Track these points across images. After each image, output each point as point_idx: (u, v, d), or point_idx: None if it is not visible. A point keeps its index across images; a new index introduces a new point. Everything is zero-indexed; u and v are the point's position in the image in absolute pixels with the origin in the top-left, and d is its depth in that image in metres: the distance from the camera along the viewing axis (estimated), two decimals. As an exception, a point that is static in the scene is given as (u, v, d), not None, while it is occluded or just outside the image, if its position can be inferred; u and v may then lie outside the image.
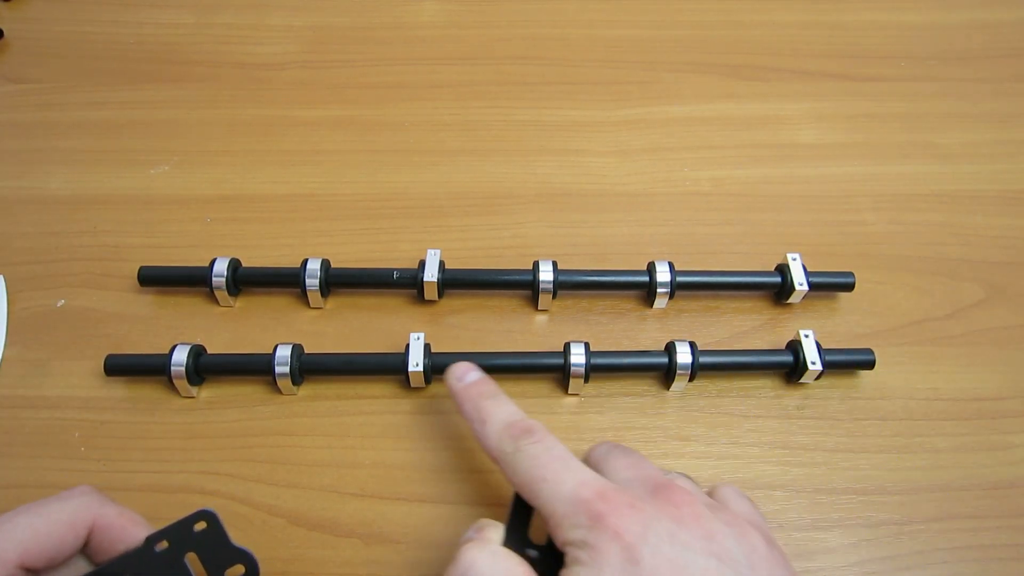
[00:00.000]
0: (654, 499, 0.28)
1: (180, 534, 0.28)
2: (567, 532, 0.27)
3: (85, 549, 0.29)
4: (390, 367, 0.41)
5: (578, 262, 0.46)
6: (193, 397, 0.41)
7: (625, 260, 0.46)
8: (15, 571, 0.26)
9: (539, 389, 0.42)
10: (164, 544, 0.28)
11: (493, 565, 0.27)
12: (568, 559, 0.27)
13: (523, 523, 0.30)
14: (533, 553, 0.29)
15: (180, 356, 0.40)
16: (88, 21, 0.60)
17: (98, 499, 0.29)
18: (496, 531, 0.29)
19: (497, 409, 0.32)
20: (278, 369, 0.40)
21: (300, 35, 0.60)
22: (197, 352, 0.40)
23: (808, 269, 0.45)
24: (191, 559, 0.28)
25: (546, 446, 0.30)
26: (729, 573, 0.26)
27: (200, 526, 0.28)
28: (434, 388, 0.42)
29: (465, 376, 0.35)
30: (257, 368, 0.40)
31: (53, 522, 0.27)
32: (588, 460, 0.32)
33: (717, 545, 0.27)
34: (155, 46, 0.59)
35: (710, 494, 0.31)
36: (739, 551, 0.27)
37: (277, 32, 0.60)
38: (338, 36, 0.60)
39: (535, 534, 0.29)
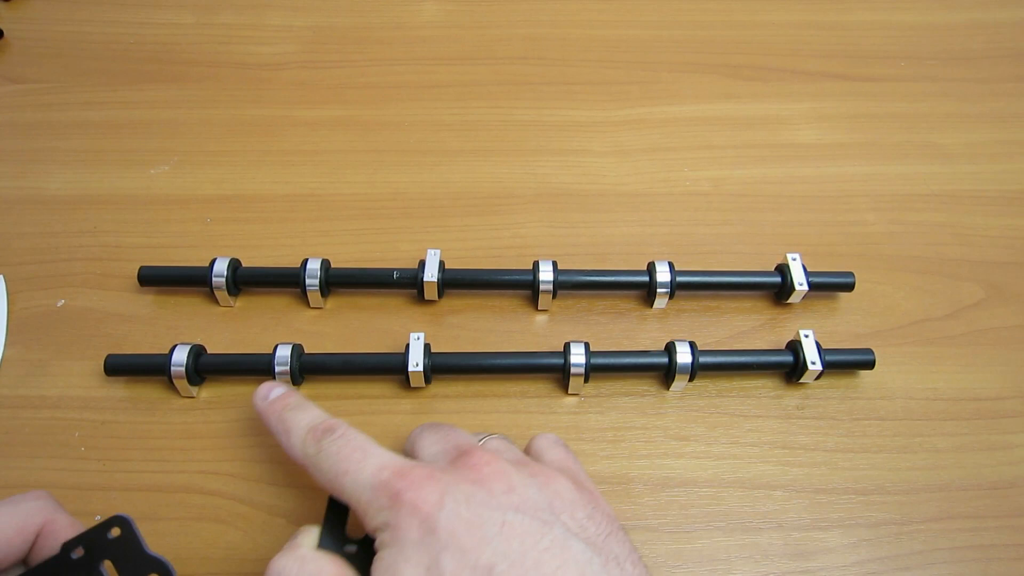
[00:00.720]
0: (455, 466, 0.28)
1: (95, 541, 0.28)
2: (372, 518, 0.27)
3: (28, 556, 0.28)
4: (390, 367, 0.41)
5: (578, 262, 0.46)
6: (193, 397, 0.41)
7: (625, 260, 0.46)
8: None
9: (539, 389, 0.42)
10: (80, 551, 0.27)
11: (300, 570, 0.26)
12: (376, 544, 0.26)
13: (340, 522, 0.29)
14: (352, 548, 0.29)
15: (180, 356, 0.40)
16: (88, 21, 0.60)
17: (51, 505, 0.29)
18: (309, 536, 0.28)
19: (300, 416, 0.31)
20: (278, 369, 0.40)
21: (300, 35, 0.60)
22: (197, 352, 0.40)
23: (808, 269, 0.45)
24: (107, 566, 0.27)
25: (346, 439, 0.29)
26: (529, 521, 0.26)
27: (115, 532, 0.28)
28: (434, 388, 0.42)
29: (269, 394, 0.33)
30: (257, 368, 0.40)
31: (2, 526, 0.27)
32: (404, 447, 0.32)
33: (517, 497, 0.26)
34: (155, 46, 0.59)
35: (526, 450, 0.32)
36: (541, 498, 0.27)
37: (277, 32, 0.60)
38: (338, 36, 0.60)
39: (355, 530, 0.29)
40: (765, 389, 0.42)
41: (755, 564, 0.37)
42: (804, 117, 0.56)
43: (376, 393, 0.42)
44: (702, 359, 0.41)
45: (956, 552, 0.37)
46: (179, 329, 0.44)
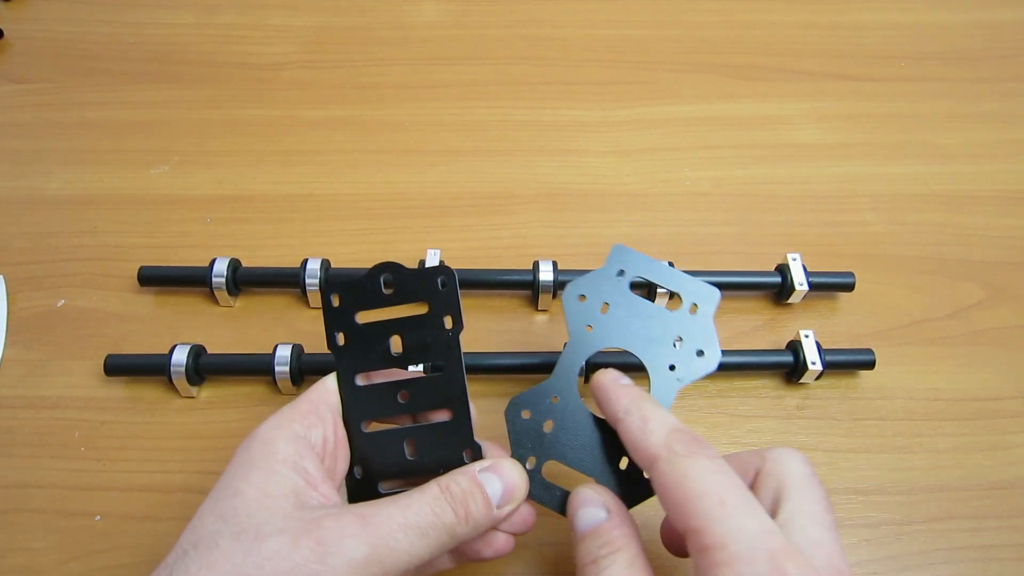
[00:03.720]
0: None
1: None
2: (731, 564, 0.24)
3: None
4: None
5: (578, 262, 0.46)
6: (193, 397, 0.41)
7: (625, 260, 0.46)
8: None
9: (539, 389, 0.42)
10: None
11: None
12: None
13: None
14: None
15: (180, 356, 0.39)
16: (88, 21, 0.60)
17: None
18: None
19: (660, 412, 0.29)
20: (278, 369, 0.40)
21: (300, 35, 0.60)
22: (197, 352, 0.40)
23: (808, 269, 0.45)
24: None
25: (721, 466, 0.27)
26: None
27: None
28: (434, 388, 0.42)
29: (620, 379, 0.31)
30: (257, 368, 0.40)
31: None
32: (761, 475, 0.28)
33: None
34: (155, 46, 0.59)
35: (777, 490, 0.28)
36: None
37: (277, 32, 0.60)
38: (338, 36, 0.60)
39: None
40: (765, 389, 0.42)
41: (755, 564, 0.37)
42: (804, 117, 0.56)
43: (376, 393, 0.41)
44: (702, 359, 0.41)
45: (956, 552, 0.37)
46: (179, 329, 0.44)
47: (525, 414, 0.32)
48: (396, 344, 0.31)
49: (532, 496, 0.31)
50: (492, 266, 0.45)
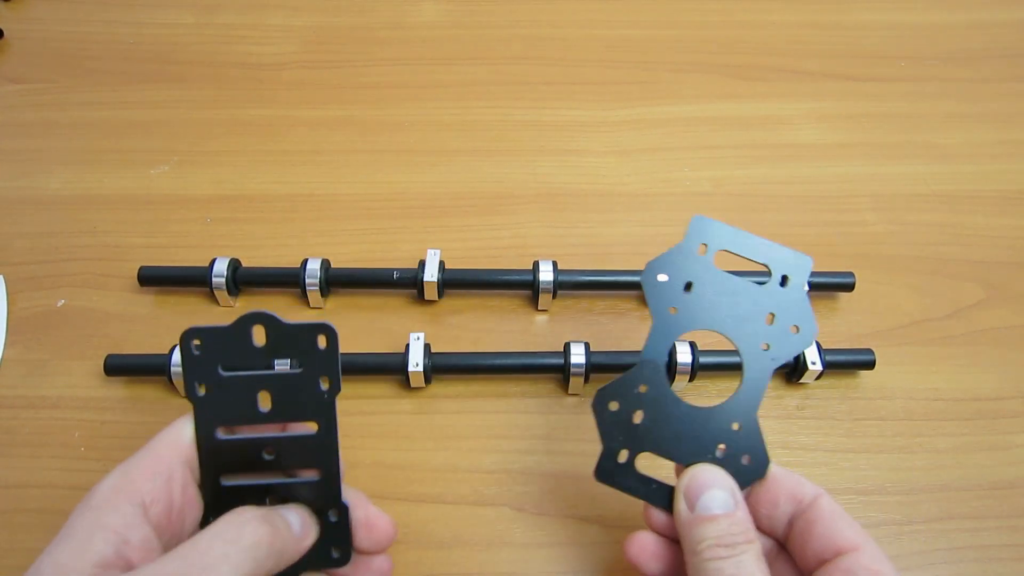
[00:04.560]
0: None
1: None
2: None
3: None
4: (390, 367, 0.41)
5: (578, 262, 0.46)
6: (193, 397, 0.41)
7: (625, 260, 0.46)
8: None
9: (539, 389, 0.42)
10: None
11: None
12: None
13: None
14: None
15: (180, 356, 0.39)
16: (88, 21, 0.60)
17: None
18: None
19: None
20: (278, 369, 0.40)
21: (300, 35, 0.60)
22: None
23: (808, 269, 0.45)
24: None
25: None
26: None
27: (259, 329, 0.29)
28: (434, 388, 0.42)
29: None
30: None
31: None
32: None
33: None
34: (155, 46, 0.59)
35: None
36: None
37: (277, 32, 0.60)
38: (338, 36, 0.60)
39: None
40: (767, 389, 0.42)
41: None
42: (804, 117, 0.56)
43: (376, 393, 0.42)
44: (702, 359, 0.41)
45: (956, 552, 0.37)
46: (179, 329, 0.43)
47: (613, 406, 0.30)
48: (264, 400, 0.29)
49: (627, 489, 0.30)
50: (492, 266, 0.45)
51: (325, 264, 0.44)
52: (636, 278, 0.45)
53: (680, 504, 0.28)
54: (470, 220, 0.49)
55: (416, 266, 0.44)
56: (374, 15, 0.62)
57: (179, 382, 0.40)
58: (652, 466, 0.30)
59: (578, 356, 0.40)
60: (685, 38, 0.61)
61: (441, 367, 0.41)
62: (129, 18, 0.61)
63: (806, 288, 0.31)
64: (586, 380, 0.41)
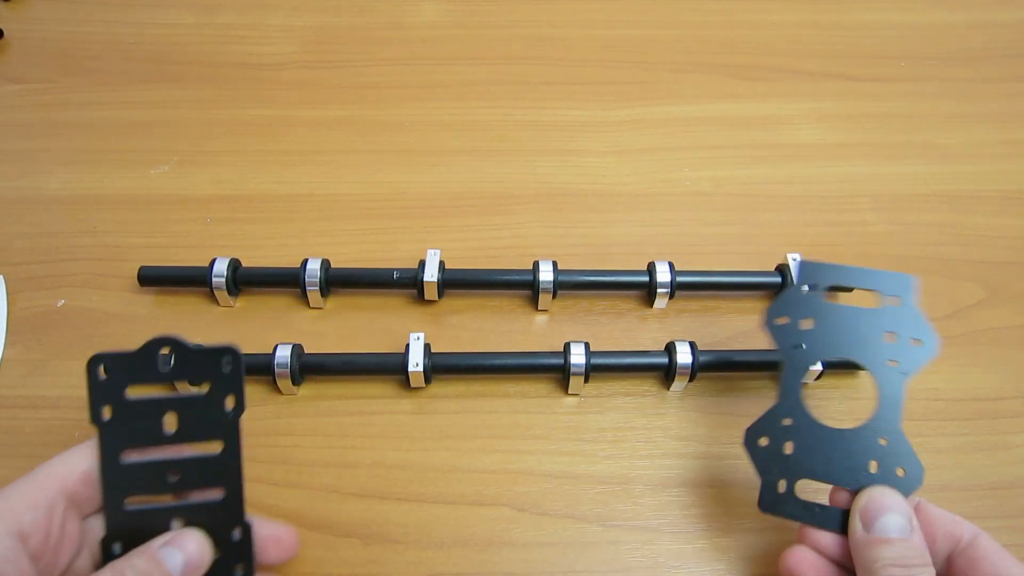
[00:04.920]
0: None
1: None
2: None
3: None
4: (390, 367, 0.41)
5: (578, 262, 0.46)
6: (193, 397, 0.41)
7: (625, 260, 0.46)
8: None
9: (539, 389, 0.42)
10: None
11: None
12: None
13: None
14: None
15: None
16: (88, 21, 0.60)
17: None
18: None
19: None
20: (278, 369, 0.40)
21: (300, 35, 0.60)
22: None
23: (808, 269, 0.45)
24: None
25: None
26: None
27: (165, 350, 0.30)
28: (434, 388, 0.42)
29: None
30: (257, 368, 0.40)
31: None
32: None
33: None
34: (155, 46, 0.59)
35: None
36: None
37: (277, 32, 0.60)
38: (338, 36, 0.60)
39: None
40: (766, 389, 0.42)
41: (756, 564, 0.37)
42: (804, 117, 0.56)
43: (376, 393, 0.42)
44: (702, 359, 0.41)
45: (956, 552, 0.37)
46: (179, 329, 0.43)
47: (763, 441, 0.33)
48: (170, 422, 0.30)
49: (794, 517, 0.32)
50: (492, 266, 0.45)
51: (325, 264, 0.44)
52: (636, 278, 0.45)
53: (856, 524, 0.29)
54: (470, 220, 0.49)
55: (416, 266, 0.44)
56: (374, 15, 0.62)
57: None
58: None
59: (578, 356, 0.40)
60: (685, 38, 0.61)
61: (441, 367, 0.41)
62: (129, 18, 0.61)
63: (915, 303, 0.33)
64: (586, 380, 0.41)
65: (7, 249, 0.47)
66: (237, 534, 0.30)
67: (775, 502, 0.32)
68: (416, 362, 0.40)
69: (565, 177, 0.52)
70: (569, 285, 0.44)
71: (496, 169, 0.52)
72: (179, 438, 0.30)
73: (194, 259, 0.45)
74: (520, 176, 0.52)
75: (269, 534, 0.32)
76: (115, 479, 0.29)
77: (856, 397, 0.42)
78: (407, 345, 0.40)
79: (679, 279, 0.44)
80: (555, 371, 0.41)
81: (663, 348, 0.42)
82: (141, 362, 0.30)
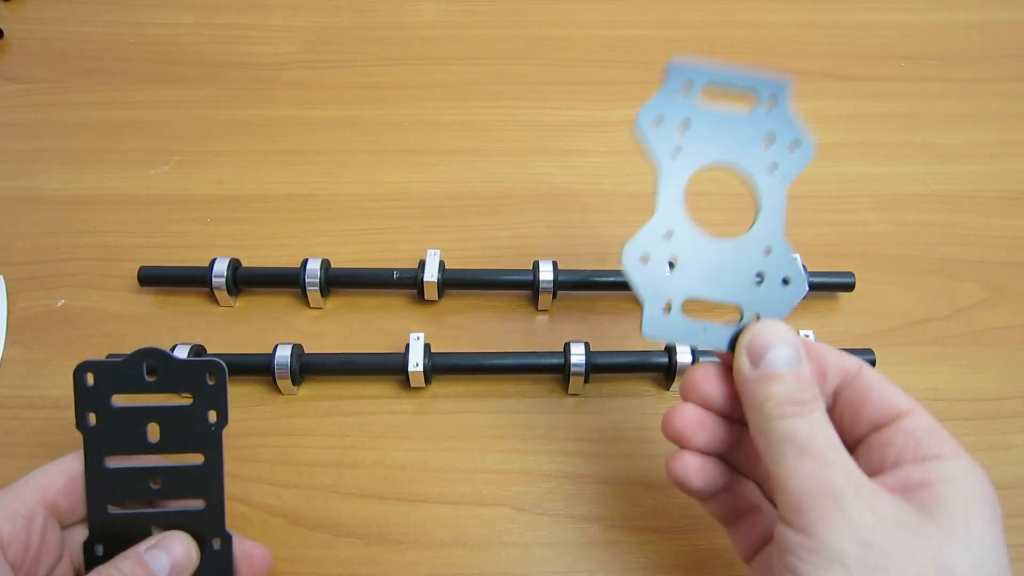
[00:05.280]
0: None
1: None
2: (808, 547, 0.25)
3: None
4: (390, 367, 0.41)
5: (578, 262, 0.46)
6: (193, 397, 0.41)
7: (625, 260, 0.46)
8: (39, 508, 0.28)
9: (539, 389, 0.42)
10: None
11: None
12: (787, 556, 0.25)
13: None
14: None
15: (180, 356, 0.39)
16: (88, 21, 0.60)
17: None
18: None
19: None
20: (278, 369, 0.40)
21: (300, 35, 0.60)
22: (197, 352, 0.40)
23: (808, 269, 0.45)
24: None
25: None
26: None
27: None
28: (434, 388, 0.42)
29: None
30: (257, 368, 0.40)
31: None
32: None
33: None
34: (155, 46, 0.59)
35: None
36: None
37: (277, 32, 0.60)
38: (338, 36, 0.60)
39: None
40: (765, 389, 0.42)
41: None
42: (804, 117, 0.56)
43: (376, 393, 0.42)
44: (702, 359, 0.41)
45: (956, 552, 0.37)
46: (179, 329, 0.44)
47: (643, 259, 0.30)
48: (154, 432, 0.31)
49: (680, 339, 0.30)
50: (492, 266, 0.45)
51: (325, 264, 0.44)
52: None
53: (742, 361, 0.27)
54: (470, 220, 0.49)
55: (416, 266, 0.44)
56: (374, 15, 0.62)
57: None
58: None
59: (578, 356, 0.40)
60: (685, 38, 0.61)
61: (441, 367, 0.41)
62: (129, 18, 0.61)
63: (789, 105, 0.32)
64: (586, 380, 0.41)
65: (7, 249, 0.47)
66: (216, 544, 0.30)
67: (660, 327, 0.30)
68: (416, 362, 0.40)
69: (565, 177, 0.52)
70: (569, 285, 0.44)
71: (496, 169, 0.52)
72: (162, 448, 0.30)
73: (194, 259, 0.45)
74: (520, 176, 0.52)
75: (242, 551, 0.32)
76: (99, 483, 0.30)
77: (856, 397, 0.42)
78: (407, 345, 0.40)
79: (679, 279, 0.44)
80: (555, 371, 0.41)
81: (663, 348, 0.42)
82: (128, 371, 0.30)
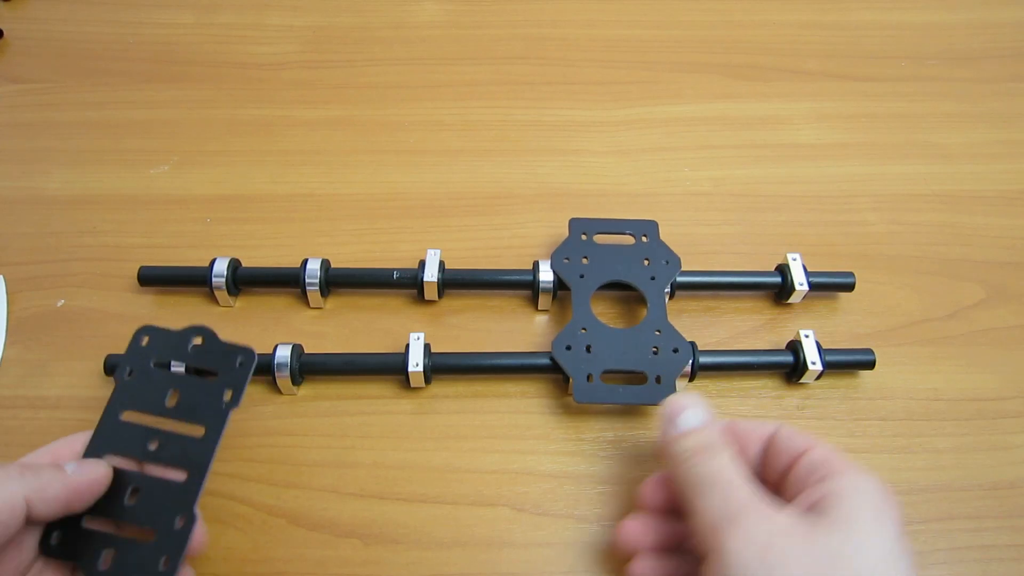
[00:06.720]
0: None
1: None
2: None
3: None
4: (390, 367, 0.41)
5: (578, 262, 0.46)
6: (193, 397, 0.41)
7: (625, 260, 0.46)
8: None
9: (539, 389, 0.42)
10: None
11: None
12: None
13: None
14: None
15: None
16: (88, 21, 0.60)
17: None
18: None
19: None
20: (278, 369, 0.40)
21: (300, 35, 0.60)
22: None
23: (808, 269, 0.45)
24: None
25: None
26: None
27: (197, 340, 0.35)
28: (434, 388, 0.42)
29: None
30: (257, 368, 0.40)
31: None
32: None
33: None
34: (155, 46, 0.59)
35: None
36: None
37: (277, 32, 0.60)
38: (338, 36, 0.60)
39: None
40: (765, 389, 0.42)
41: (755, 564, 0.37)
42: (804, 117, 0.56)
43: (376, 393, 0.42)
44: (702, 359, 0.41)
45: (956, 552, 0.37)
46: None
47: (568, 348, 0.40)
48: (172, 399, 0.33)
49: (604, 400, 0.39)
50: (492, 266, 0.45)
51: (325, 264, 0.44)
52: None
53: (663, 428, 0.33)
54: (470, 220, 0.49)
55: (416, 266, 0.44)
56: (374, 15, 0.62)
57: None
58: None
59: (578, 356, 0.41)
60: (685, 38, 0.61)
61: (441, 367, 0.41)
62: (129, 18, 0.61)
63: (658, 238, 0.45)
64: (587, 380, 0.41)
65: (7, 249, 0.47)
66: (179, 523, 0.31)
67: (587, 392, 0.39)
68: (416, 362, 0.40)
69: (565, 177, 0.52)
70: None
71: (496, 169, 0.52)
72: (174, 413, 0.33)
73: (194, 259, 0.45)
74: (520, 176, 0.52)
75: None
76: (107, 431, 0.32)
77: (856, 397, 0.42)
78: (407, 345, 0.40)
79: (679, 279, 0.44)
80: (555, 371, 0.41)
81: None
82: (176, 340, 0.34)
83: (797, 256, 0.45)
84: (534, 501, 0.38)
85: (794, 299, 0.45)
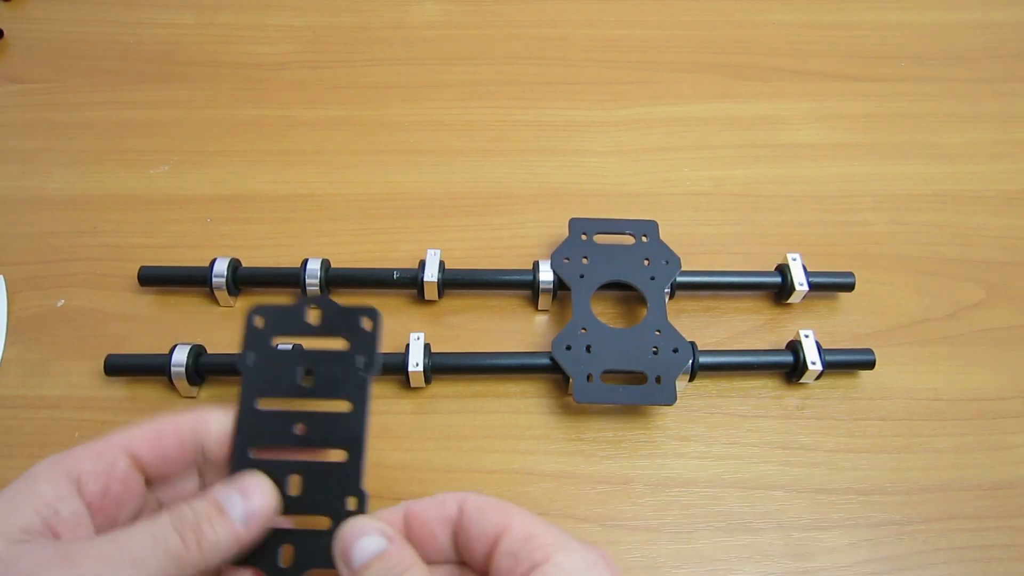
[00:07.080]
0: None
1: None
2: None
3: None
4: (390, 367, 0.41)
5: (578, 262, 0.46)
6: (193, 397, 0.41)
7: (625, 260, 0.46)
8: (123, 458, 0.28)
9: (539, 389, 0.42)
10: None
11: None
12: None
13: None
14: None
15: (180, 356, 0.39)
16: (88, 21, 0.60)
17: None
18: None
19: None
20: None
21: (300, 35, 0.60)
22: (197, 352, 0.40)
23: (808, 269, 0.45)
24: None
25: None
26: None
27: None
28: (434, 388, 0.42)
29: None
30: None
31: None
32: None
33: None
34: (155, 46, 0.59)
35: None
36: None
37: (277, 32, 0.60)
38: (338, 36, 0.60)
39: None
40: (765, 389, 0.42)
41: (756, 564, 0.37)
42: (804, 117, 0.56)
43: (376, 393, 0.41)
44: (702, 359, 0.41)
45: (956, 552, 0.37)
46: (179, 329, 0.44)
47: (568, 348, 0.40)
48: (304, 377, 0.30)
49: (604, 399, 0.39)
50: (492, 266, 0.45)
51: (325, 264, 0.44)
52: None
53: (340, 567, 0.28)
54: (470, 220, 0.49)
55: (416, 266, 0.44)
56: (374, 15, 0.62)
57: (180, 382, 0.40)
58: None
59: (578, 356, 0.41)
60: (685, 38, 0.61)
61: (441, 367, 0.41)
62: (129, 18, 0.61)
63: (658, 238, 0.45)
64: (587, 380, 0.41)
65: (7, 249, 0.47)
66: (351, 505, 0.29)
67: (587, 392, 0.39)
68: (416, 362, 0.40)
69: (565, 177, 0.52)
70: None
71: (496, 169, 0.52)
72: (312, 392, 0.30)
73: (194, 259, 0.45)
74: (520, 176, 0.52)
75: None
76: (247, 425, 0.29)
77: (856, 397, 0.42)
78: (407, 345, 0.40)
79: (679, 279, 0.44)
80: (555, 371, 0.41)
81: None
82: (291, 315, 0.31)
83: (797, 256, 0.45)
84: (534, 501, 0.38)
85: (794, 299, 0.45)
